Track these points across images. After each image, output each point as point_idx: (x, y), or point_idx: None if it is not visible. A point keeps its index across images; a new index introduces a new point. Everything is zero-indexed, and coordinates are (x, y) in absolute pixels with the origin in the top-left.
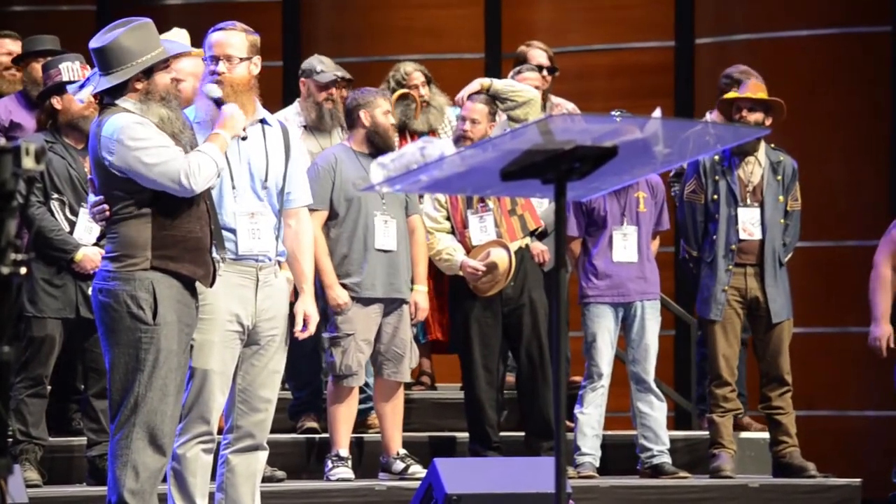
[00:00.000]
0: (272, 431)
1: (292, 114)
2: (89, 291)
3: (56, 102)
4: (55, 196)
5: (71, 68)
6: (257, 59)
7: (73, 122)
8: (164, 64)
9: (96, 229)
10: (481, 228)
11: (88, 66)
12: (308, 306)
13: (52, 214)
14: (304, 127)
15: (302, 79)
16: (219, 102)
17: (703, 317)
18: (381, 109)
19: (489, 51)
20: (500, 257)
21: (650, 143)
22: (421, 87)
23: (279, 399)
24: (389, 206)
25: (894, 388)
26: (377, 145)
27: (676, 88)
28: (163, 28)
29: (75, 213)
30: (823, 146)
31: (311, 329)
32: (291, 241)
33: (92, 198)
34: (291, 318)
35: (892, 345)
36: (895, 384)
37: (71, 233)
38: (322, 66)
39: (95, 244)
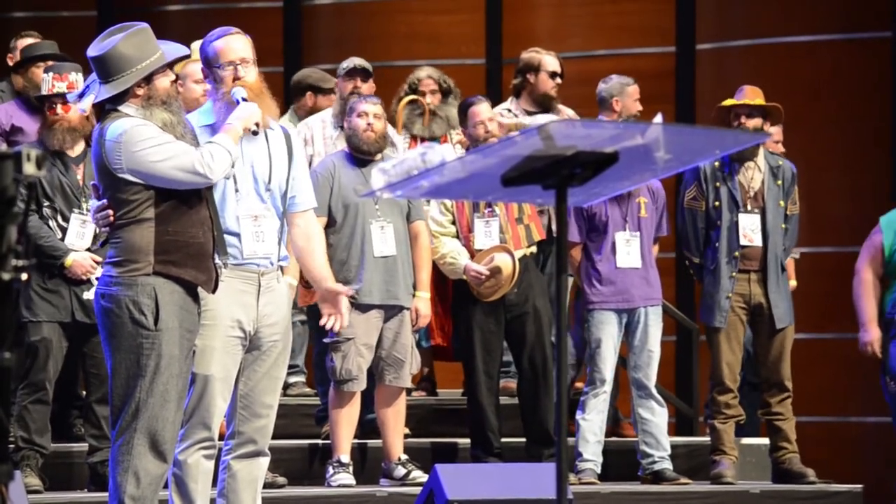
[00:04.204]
0: (274, 437)
1: (329, 116)
2: (84, 296)
3: (48, 112)
4: (46, 203)
5: (46, 80)
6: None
7: (60, 130)
8: (163, 68)
9: (89, 235)
10: (486, 233)
11: (71, 73)
12: (333, 289)
13: (46, 222)
14: (340, 127)
15: (335, 80)
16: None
17: (708, 324)
18: (355, 112)
19: (490, 56)
20: (504, 262)
21: (651, 148)
22: (429, 95)
23: (281, 404)
24: (384, 211)
25: (884, 395)
26: (355, 147)
27: (677, 94)
28: (163, 34)
29: (67, 220)
30: (824, 152)
31: (345, 319)
32: (303, 239)
33: (95, 203)
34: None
35: (878, 351)
36: (883, 390)
37: (62, 239)
38: (347, 61)
39: (89, 249)
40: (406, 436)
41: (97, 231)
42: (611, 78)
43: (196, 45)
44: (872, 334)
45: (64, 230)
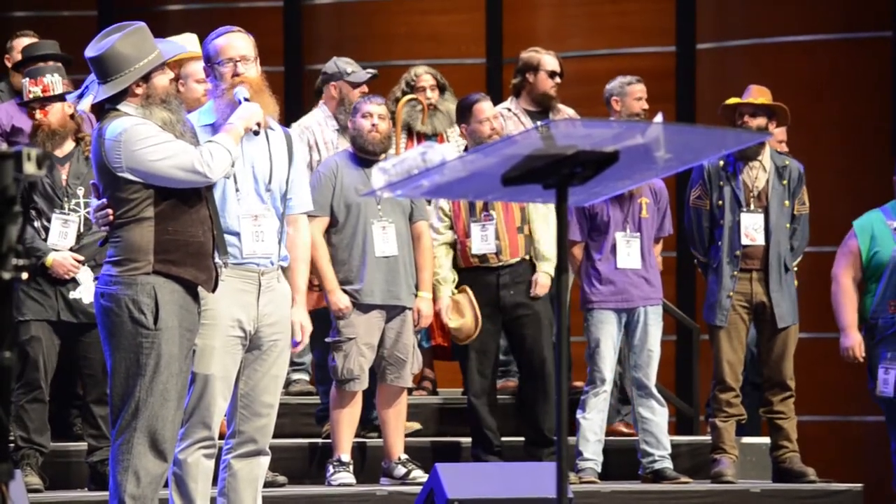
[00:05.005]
0: (274, 436)
1: (322, 118)
2: (70, 295)
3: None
4: (30, 204)
5: (24, 85)
6: (257, 59)
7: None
8: (161, 66)
9: (72, 235)
10: (482, 238)
11: (46, 75)
12: (302, 316)
13: (30, 222)
14: (337, 130)
15: (332, 83)
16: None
17: (709, 322)
18: (359, 113)
19: (490, 56)
20: (458, 326)
21: (652, 148)
22: (428, 91)
23: (281, 403)
24: (387, 211)
25: (871, 397)
26: (359, 148)
27: (678, 94)
28: (163, 34)
29: (49, 220)
30: (825, 152)
31: (305, 341)
32: (291, 247)
33: (94, 202)
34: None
35: (862, 354)
36: (870, 392)
37: (45, 240)
38: (351, 66)
39: (72, 249)
40: (416, 431)
41: (81, 231)
42: (616, 78)
43: (180, 37)
44: (853, 339)
45: (46, 230)
